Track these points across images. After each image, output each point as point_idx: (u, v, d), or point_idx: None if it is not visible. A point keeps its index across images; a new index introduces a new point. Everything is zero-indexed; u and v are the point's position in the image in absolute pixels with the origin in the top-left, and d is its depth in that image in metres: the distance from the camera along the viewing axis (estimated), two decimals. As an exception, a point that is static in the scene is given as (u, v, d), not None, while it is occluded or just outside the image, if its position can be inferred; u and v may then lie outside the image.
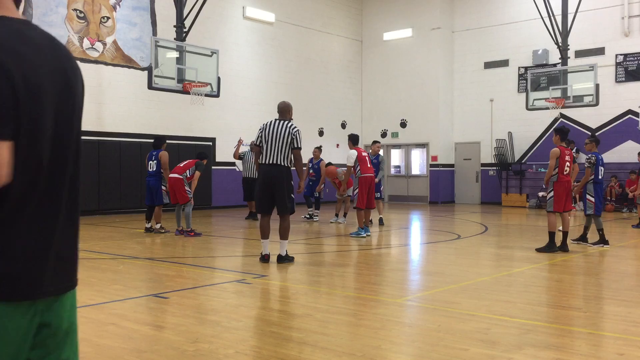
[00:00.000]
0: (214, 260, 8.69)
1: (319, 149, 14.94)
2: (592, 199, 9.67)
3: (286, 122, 7.78)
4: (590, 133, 19.72)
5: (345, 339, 4.39)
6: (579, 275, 7.35)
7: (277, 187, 7.62)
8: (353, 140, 11.54)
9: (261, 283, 6.61)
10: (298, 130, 7.78)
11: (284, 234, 7.82)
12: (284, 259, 7.79)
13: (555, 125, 18.96)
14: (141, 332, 4.54)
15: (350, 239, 10.81)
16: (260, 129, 7.80)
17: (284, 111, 7.95)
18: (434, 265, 8.28)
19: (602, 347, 4.15)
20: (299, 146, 7.74)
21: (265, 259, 7.83)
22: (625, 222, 14.57)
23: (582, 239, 9.88)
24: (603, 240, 9.60)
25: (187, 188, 10.99)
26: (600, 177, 9.80)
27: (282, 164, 7.62)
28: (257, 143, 7.76)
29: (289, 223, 7.85)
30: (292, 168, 7.75)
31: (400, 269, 8.02)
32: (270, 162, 7.61)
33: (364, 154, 11.40)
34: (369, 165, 11.28)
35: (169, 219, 12.91)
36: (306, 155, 15.47)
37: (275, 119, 7.86)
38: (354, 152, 11.19)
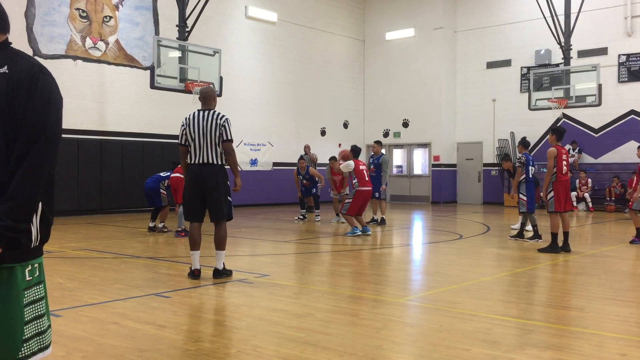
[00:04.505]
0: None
1: (303, 159, 15.13)
2: (524, 198, 10.36)
3: (212, 112, 6.64)
4: (593, 133, 19.71)
5: (347, 338, 4.39)
6: (581, 275, 7.34)
7: (210, 190, 6.58)
8: (355, 152, 11.78)
9: (263, 282, 6.61)
10: (227, 119, 6.63)
11: (220, 244, 6.73)
12: (221, 274, 6.73)
13: (553, 124, 18.92)
14: (143, 331, 4.54)
15: (351, 238, 10.82)
16: (182, 125, 6.65)
17: (208, 98, 6.76)
18: (436, 265, 8.28)
19: (603, 348, 4.14)
20: (229, 138, 6.58)
21: (195, 274, 6.70)
22: (627, 223, 14.55)
23: (519, 235, 10.53)
24: (537, 235, 10.25)
25: None
26: (530, 176, 10.44)
27: (215, 162, 6.56)
28: (183, 142, 6.68)
29: (225, 231, 6.76)
30: (227, 166, 6.74)
31: (402, 268, 8.02)
32: (200, 161, 6.56)
33: (362, 167, 11.49)
34: (366, 179, 11.40)
35: (171, 218, 12.92)
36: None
37: (199, 110, 6.69)
38: (352, 164, 11.37)
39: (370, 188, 11.49)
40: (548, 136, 9.73)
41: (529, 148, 11.60)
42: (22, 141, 2.12)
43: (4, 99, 2.15)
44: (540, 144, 20.53)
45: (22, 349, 2.17)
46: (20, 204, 2.09)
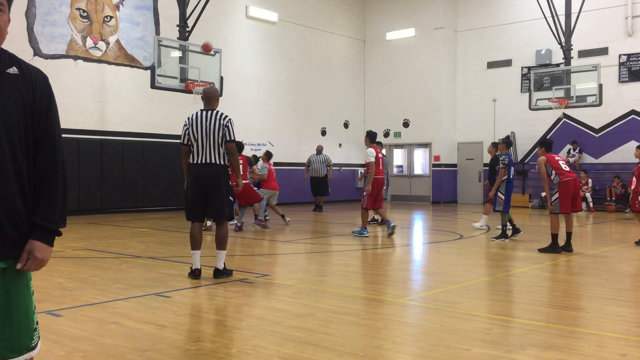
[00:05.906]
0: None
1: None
2: (502, 197, 10.50)
3: (215, 112, 6.64)
4: (594, 133, 19.71)
5: (348, 338, 4.39)
6: (582, 275, 7.34)
7: (213, 190, 6.57)
8: (372, 137, 11.36)
9: (263, 282, 6.62)
10: (230, 120, 6.66)
11: (221, 243, 6.73)
12: (222, 273, 6.73)
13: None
14: (143, 331, 4.55)
15: (353, 238, 10.82)
16: (185, 125, 6.66)
17: (211, 98, 6.75)
18: (436, 265, 8.28)
19: (604, 348, 4.14)
20: (232, 138, 6.60)
21: (195, 274, 6.69)
22: (627, 223, 14.55)
23: (516, 231, 10.64)
24: (504, 235, 10.50)
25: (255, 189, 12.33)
26: (511, 176, 10.62)
27: (218, 162, 6.57)
28: (185, 142, 6.66)
29: (226, 230, 6.81)
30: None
31: (402, 268, 8.02)
32: (203, 161, 6.56)
33: (380, 155, 11.34)
34: (381, 168, 11.37)
35: (167, 218, 12.90)
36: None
37: (202, 110, 6.71)
38: (373, 151, 11.09)
39: (383, 176, 11.56)
40: (537, 149, 9.77)
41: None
42: (48, 146, 2.23)
43: (27, 100, 2.17)
44: (541, 144, 20.53)
45: (33, 337, 2.28)
46: (64, 208, 2.28)
